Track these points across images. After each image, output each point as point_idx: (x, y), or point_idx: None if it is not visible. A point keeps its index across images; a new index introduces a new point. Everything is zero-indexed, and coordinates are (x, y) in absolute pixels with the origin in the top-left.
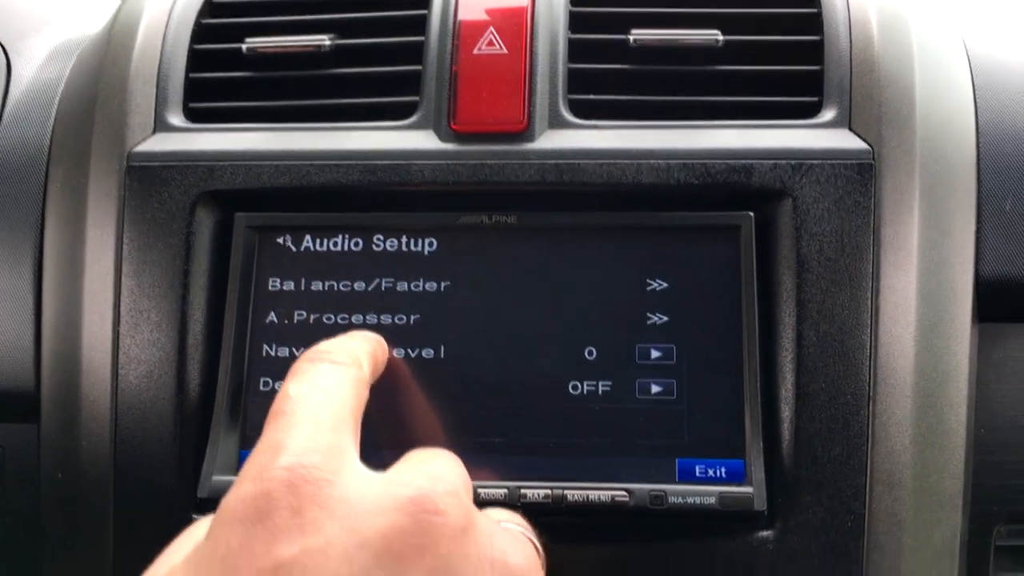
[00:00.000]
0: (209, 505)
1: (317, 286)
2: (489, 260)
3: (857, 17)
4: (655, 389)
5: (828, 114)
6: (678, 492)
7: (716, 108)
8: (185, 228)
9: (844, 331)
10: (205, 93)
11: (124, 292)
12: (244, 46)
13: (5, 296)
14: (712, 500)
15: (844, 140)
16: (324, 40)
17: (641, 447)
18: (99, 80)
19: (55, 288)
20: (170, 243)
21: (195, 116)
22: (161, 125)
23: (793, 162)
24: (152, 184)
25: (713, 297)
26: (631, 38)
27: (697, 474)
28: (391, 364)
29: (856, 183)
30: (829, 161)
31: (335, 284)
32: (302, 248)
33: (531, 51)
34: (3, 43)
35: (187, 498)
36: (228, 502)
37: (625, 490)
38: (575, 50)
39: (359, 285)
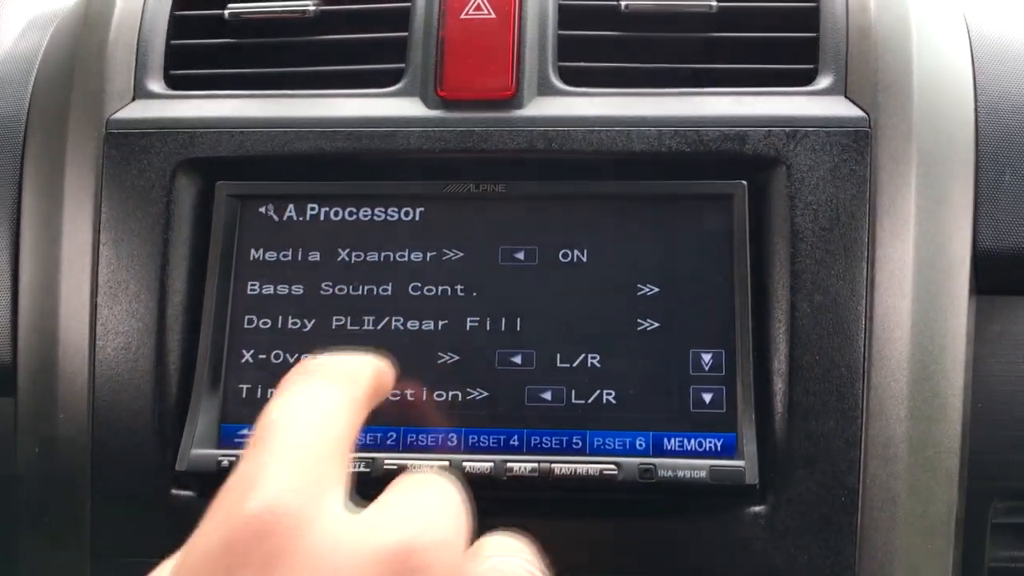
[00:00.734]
0: (188, 480)
1: (300, 256)
2: (476, 229)
3: None
4: (645, 361)
5: (824, 81)
6: (667, 466)
7: (709, 75)
8: (165, 197)
9: (839, 302)
10: (186, 60)
11: (102, 262)
12: (226, 12)
13: None
14: (703, 473)
15: (840, 108)
16: (308, 5)
17: (630, 420)
18: (77, 47)
19: (32, 259)
20: (150, 212)
21: (176, 83)
22: (141, 92)
23: (788, 129)
24: (131, 152)
25: (705, 267)
26: (623, 4)
27: (688, 447)
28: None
29: (852, 151)
30: (824, 129)
31: (318, 254)
32: (285, 217)
33: (520, 16)
34: None
35: (166, 472)
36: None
37: (613, 463)
38: (565, 16)
39: (343, 255)
